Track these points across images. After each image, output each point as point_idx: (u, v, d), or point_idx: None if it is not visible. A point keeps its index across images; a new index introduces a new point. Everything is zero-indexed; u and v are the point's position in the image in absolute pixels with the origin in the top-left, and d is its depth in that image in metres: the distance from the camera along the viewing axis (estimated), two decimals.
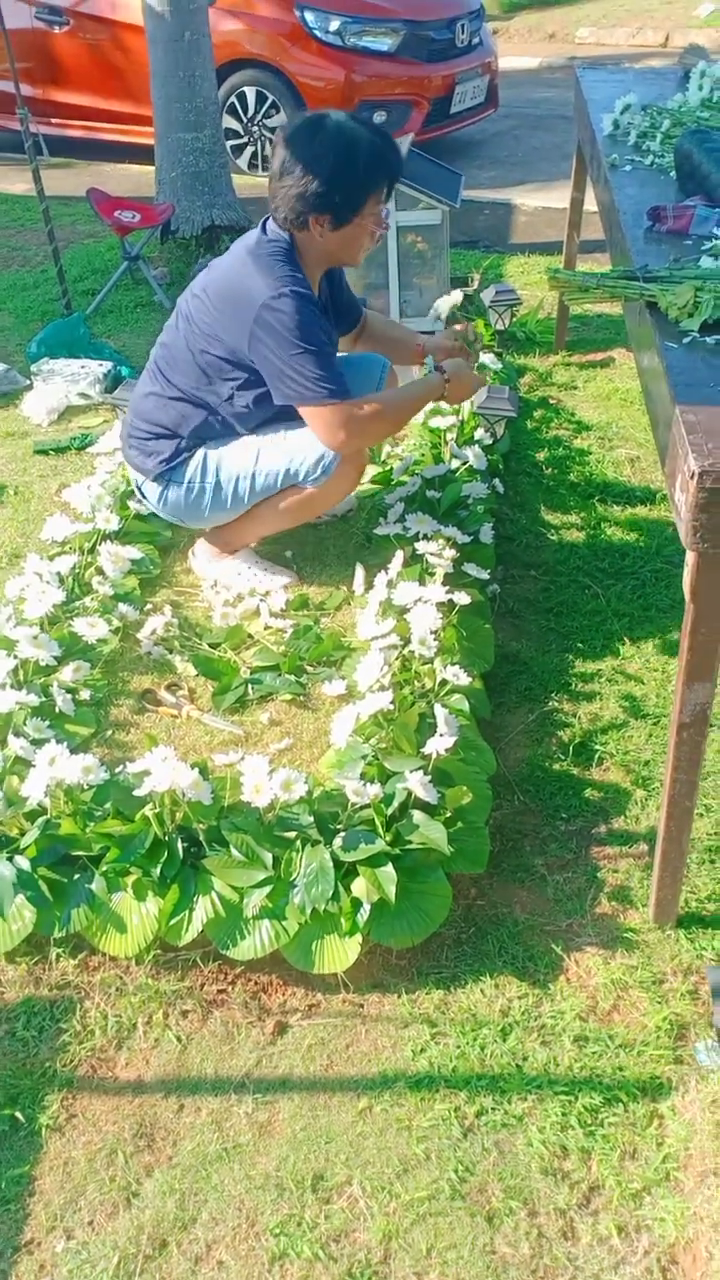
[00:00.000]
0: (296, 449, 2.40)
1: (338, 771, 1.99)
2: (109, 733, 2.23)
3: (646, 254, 2.08)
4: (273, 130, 6.41)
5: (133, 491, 2.87)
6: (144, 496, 2.63)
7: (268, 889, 1.81)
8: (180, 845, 1.86)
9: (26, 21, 6.70)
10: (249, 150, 6.57)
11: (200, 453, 2.48)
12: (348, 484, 2.50)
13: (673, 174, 2.54)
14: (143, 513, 2.83)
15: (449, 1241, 1.49)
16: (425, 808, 1.87)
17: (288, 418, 2.41)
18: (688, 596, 1.51)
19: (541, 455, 3.37)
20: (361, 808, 1.87)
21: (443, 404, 2.77)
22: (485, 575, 2.51)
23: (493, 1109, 1.64)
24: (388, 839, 1.82)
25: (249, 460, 2.44)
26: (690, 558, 1.48)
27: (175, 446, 2.47)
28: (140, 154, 6.56)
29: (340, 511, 2.91)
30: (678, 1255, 1.48)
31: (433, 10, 6.52)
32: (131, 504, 2.83)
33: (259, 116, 6.42)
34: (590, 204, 3.43)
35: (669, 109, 2.96)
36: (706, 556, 1.46)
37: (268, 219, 2.35)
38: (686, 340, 1.73)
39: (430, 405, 3.25)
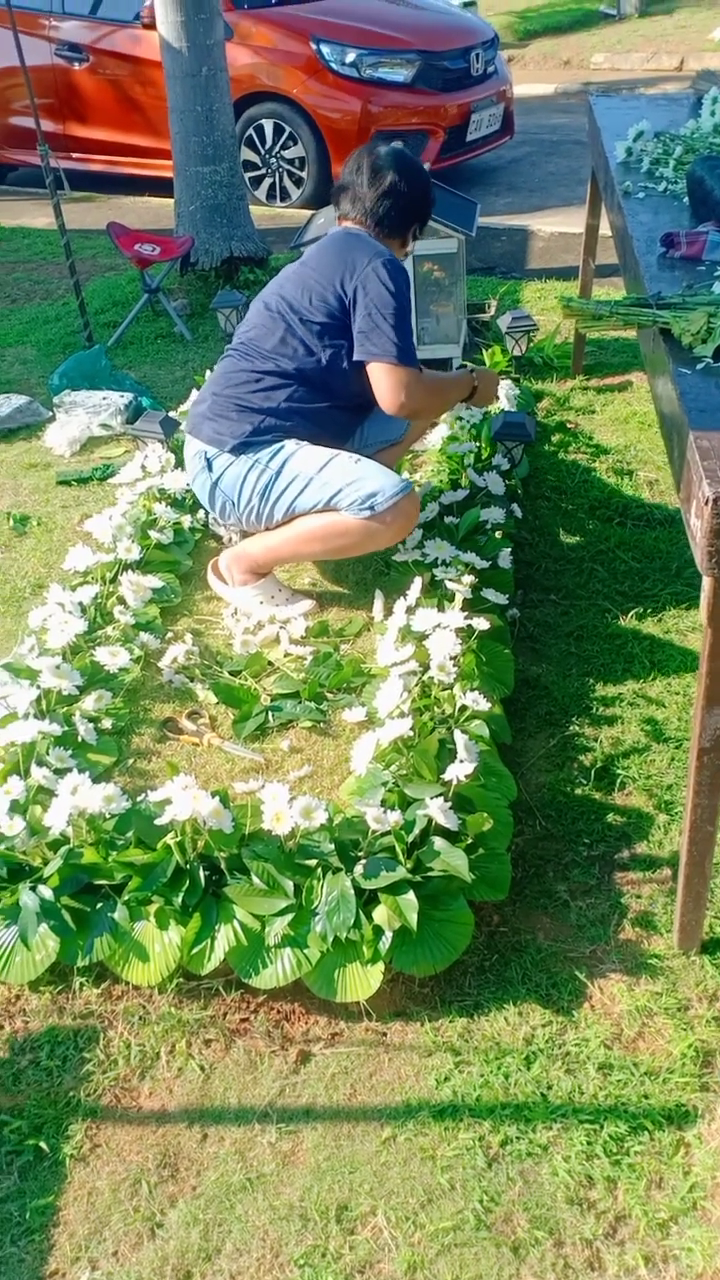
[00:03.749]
0: (359, 475, 2.43)
1: (358, 799, 1.99)
2: (131, 761, 2.25)
3: (660, 280, 2.09)
4: (290, 161, 6.50)
5: (154, 521, 2.90)
6: (209, 470, 2.59)
7: (289, 917, 1.82)
8: (202, 874, 1.86)
9: (47, 58, 6.83)
10: (267, 182, 6.66)
11: (283, 441, 2.52)
12: (388, 537, 2.49)
13: (686, 200, 2.55)
14: (164, 542, 2.86)
15: (474, 1272, 1.48)
16: (446, 834, 1.87)
17: (380, 417, 2.68)
18: (704, 621, 1.51)
19: (560, 479, 3.38)
20: (382, 835, 1.87)
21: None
22: (504, 600, 2.52)
23: (517, 1138, 1.64)
24: (409, 866, 1.83)
25: (315, 465, 2.47)
26: (707, 583, 1.48)
27: (261, 421, 2.52)
28: (160, 187, 6.66)
29: None
30: None
31: (447, 40, 6.61)
32: (153, 533, 2.85)
33: (276, 148, 6.50)
34: (606, 229, 3.45)
35: (682, 135, 2.99)
36: None
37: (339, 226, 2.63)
38: (700, 366, 1.74)
39: (446, 430, 3.27)
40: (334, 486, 2.43)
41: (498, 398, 2.82)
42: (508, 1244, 1.51)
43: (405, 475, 3.13)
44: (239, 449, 2.52)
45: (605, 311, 1.98)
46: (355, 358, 2.48)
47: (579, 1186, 1.57)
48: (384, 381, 2.46)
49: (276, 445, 2.51)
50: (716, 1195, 1.55)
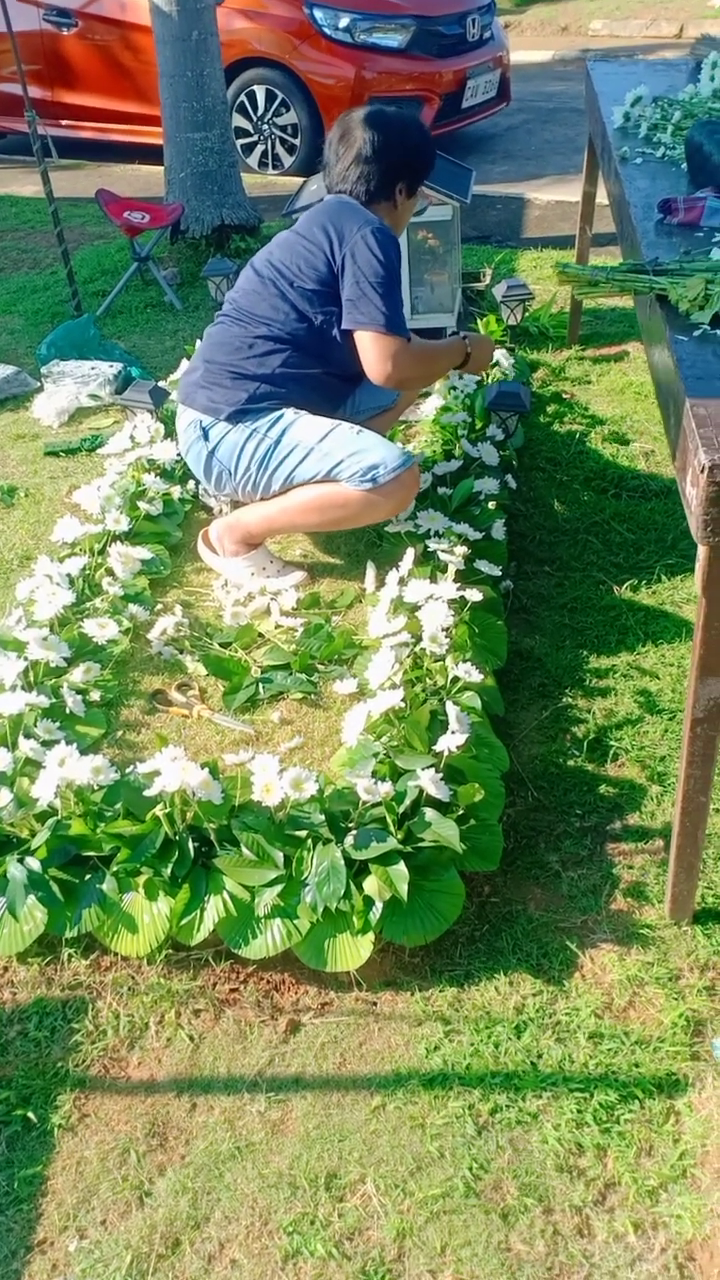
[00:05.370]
0: (360, 447, 2.40)
1: (349, 770, 1.98)
2: (120, 733, 2.23)
3: (657, 247, 2.07)
4: (282, 128, 6.41)
5: (143, 492, 2.87)
6: (204, 439, 2.55)
7: (279, 888, 1.81)
8: (191, 845, 1.85)
9: (35, 24, 6.72)
10: (259, 149, 6.57)
11: (281, 409, 2.49)
12: (387, 509, 2.46)
13: (684, 166, 2.52)
14: (153, 513, 2.83)
15: (463, 1239, 1.49)
16: (437, 805, 1.86)
17: (369, 388, 2.61)
18: (699, 591, 1.50)
19: (555, 450, 3.36)
20: (373, 806, 1.86)
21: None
22: (498, 572, 2.50)
23: (507, 1106, 1.64)
24: (400, 837, 1.82)
25: (316, 435, 2.43)
26: (701, 552, 1.47)
27: (256, 388, 2.49)
28: (150, 154, 6.57)
29: None
30: (695, 1252, 1.47)
31: (443, 5, 6.50)
32: (142, 505, 2.83)
33: (269, 115, 6.41)
34: (603, 197, 3.41)
35: (680, 100, 2.95)
36: (718, 550, 1.44)
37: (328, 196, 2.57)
38: (697, 333, 1.71)
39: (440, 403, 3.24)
40: (335, 457, 2.40)
41: (495, 363, 2.79)
42: (497, 1211, 1.51)
43: (399, 445, 3.11)
44: (235, 417, 2.48)
45: (601, 277, 1.95)
46: (343, 326, 2.45)
47: (569, 1154, 1.58)
48: (371, 350, 2.42)
49: (275, 414, 2.48)
50: (705, 1163, 1.55)
